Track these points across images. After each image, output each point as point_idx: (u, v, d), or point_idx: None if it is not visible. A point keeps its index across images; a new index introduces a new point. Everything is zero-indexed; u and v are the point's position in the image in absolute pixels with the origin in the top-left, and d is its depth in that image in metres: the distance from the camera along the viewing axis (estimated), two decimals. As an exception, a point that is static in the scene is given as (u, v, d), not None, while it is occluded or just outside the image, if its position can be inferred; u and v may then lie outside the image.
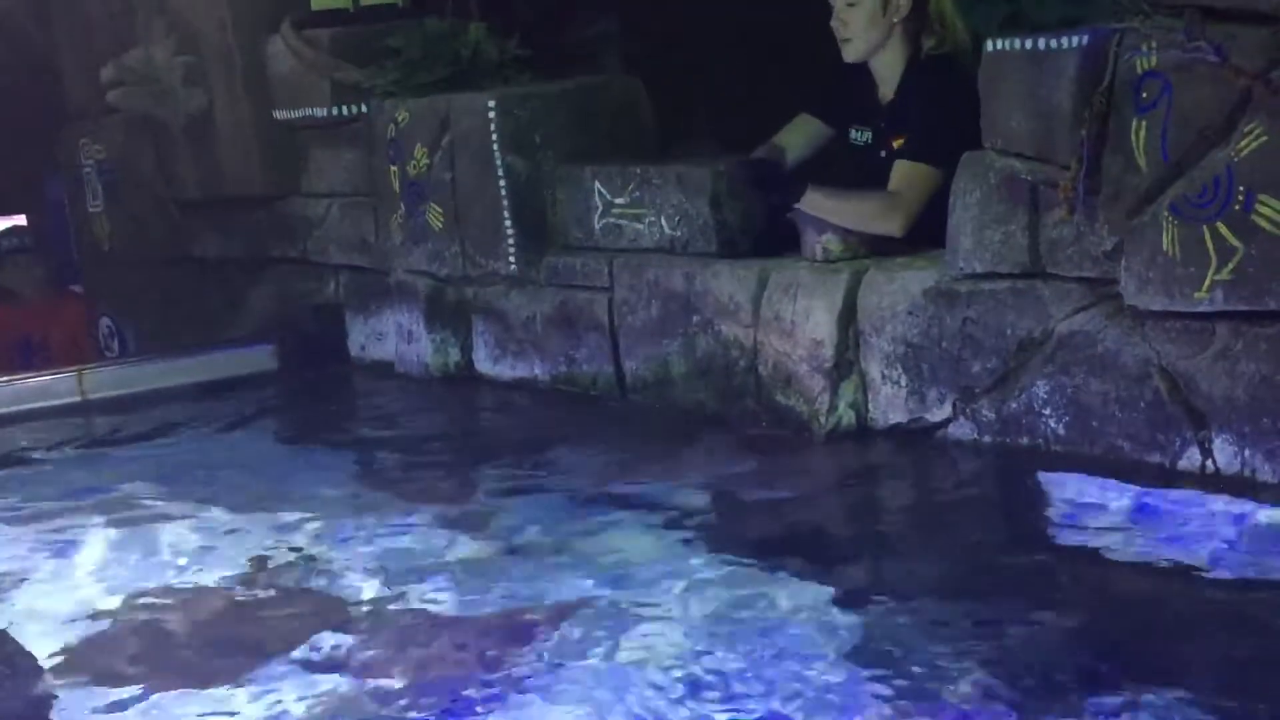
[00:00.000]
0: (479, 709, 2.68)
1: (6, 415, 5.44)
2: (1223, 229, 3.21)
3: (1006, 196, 3.73)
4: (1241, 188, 3.17)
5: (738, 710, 2.57)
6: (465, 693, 2.76)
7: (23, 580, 3.67)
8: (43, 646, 3.20)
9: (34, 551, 3.88)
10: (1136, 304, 3.44)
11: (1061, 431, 3.67)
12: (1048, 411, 3.69)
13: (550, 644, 2.94)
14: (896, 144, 4.32)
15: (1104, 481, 3.46)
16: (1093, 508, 3.37)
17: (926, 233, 4.07)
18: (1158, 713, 2.41)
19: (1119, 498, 3.39)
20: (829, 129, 4.58)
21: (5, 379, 5.72)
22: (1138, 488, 3.39)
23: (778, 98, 4.73)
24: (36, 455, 4.99)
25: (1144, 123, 3.34)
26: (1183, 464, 3.43)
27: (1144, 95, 3.33)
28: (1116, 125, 3.41)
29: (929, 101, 4.25)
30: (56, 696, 2.94)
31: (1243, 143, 3.17)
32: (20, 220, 8.08)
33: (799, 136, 4.58)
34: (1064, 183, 3.52)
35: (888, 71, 4.40)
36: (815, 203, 4.23)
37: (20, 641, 3.24)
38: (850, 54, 4.40)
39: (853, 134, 4.52)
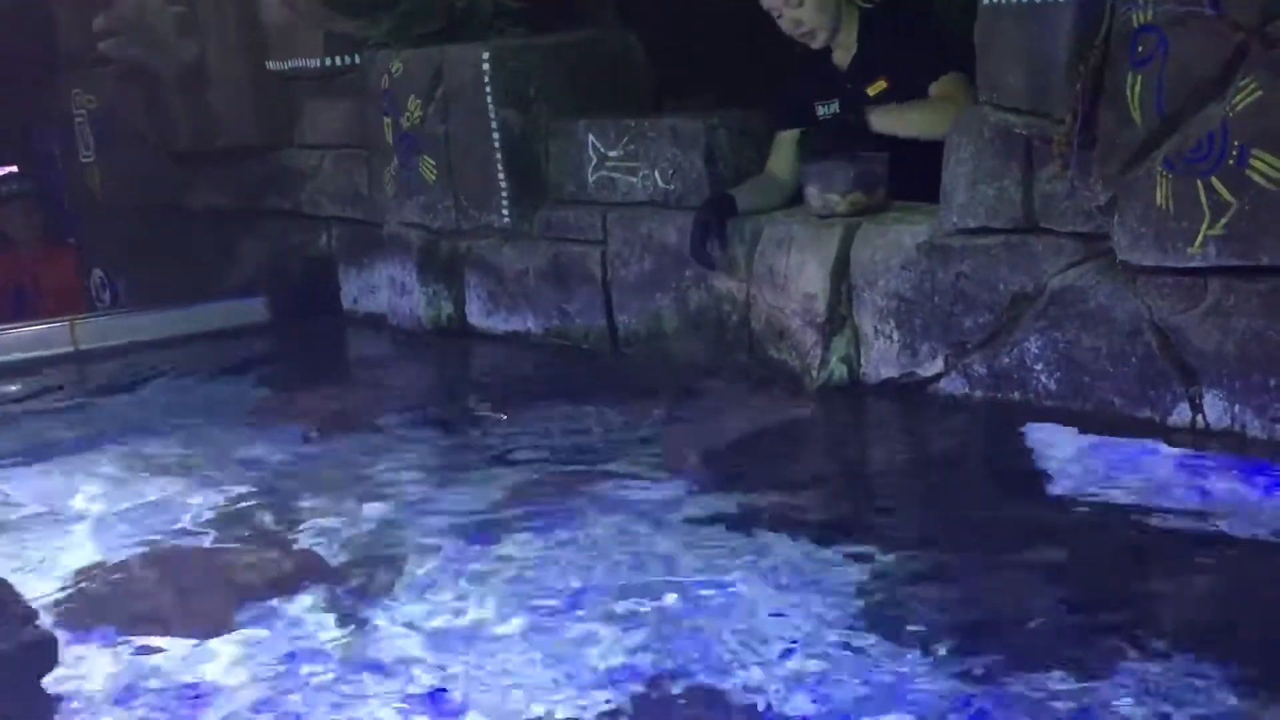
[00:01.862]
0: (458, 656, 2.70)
1: (-1, 364, 5.44)
2: (1216, 184, 3.21)
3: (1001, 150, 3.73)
4: (1236, 142, 3.16)
5: (723, 662, 2.59)
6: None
7: (13, 528, 3.67)
8: (35, 592, 3.21)
9: (23, 499, 3.89)
10: (1129, 259, 3.45)
11: (1053, 387, 3.68)
12: (1039, 367, 3.70)
13: (529, 592, 2.95)
14: (874, 90, 4.34)
15: (1094, 437, 3.47)
16: (1083, 463, 3.38)
17: (921, 187, 4.07)
18: (1143, 661, 2.43)
19: (1109, 453, 3.40)
20: (809, 130, 4.50)
21: (-3, 328, 5.73)
22: (1128, 443, 3.40)
23: (772, 53, 4.71)
24: (27, 405, 4.99)
25: (1139, 77, 3.33)
26: (1173, 419, 3.44)
27: (1140, 49, 3.32)
28: (1112, 79, 3.41)
29: (906, 34, 4.33)
30: (50, 641, 2.95)
31: (1238, 97, 3.16)
32: (12, 170, 8.03)
33: (791, 152, 4.48)
34: (1058, 137, 3.51)
35: (846, 38, 4.42)
36: (885, 121, 4.23)
37: (14, 587, 3.25)
38: (817, 42, 4.42)
39: (820, 110, 4.50)
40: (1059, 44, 3.52)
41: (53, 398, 5.07)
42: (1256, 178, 3.15)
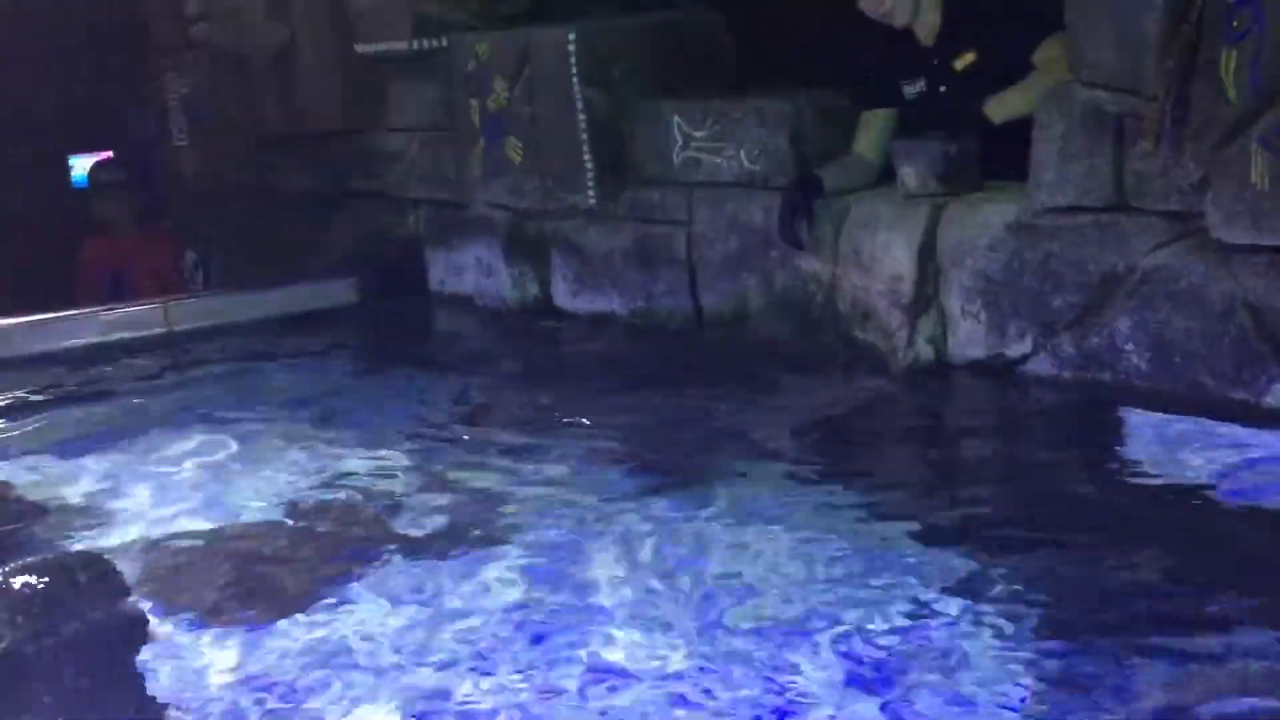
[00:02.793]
0: (545, 635, 2.72)
1: (95, 345, 5.54)
2: (1313, 161, 3.15)
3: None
4: (1333, 119, 3.11)
5: (805, 638, 2.59)
6: (533, 618, 2.80)
7: (112, 505, 3.74)
8: (133, 568, 3.26)
9: (121, 478, 3.96)
10: (1223, 238, 3.39)
11: (1144, 368, 3.63)
12: (1130, 347, 3.65)
13: (634, 573, 2.97)
14: (962, 64, 4.30)
15: (1186, 418, 3.42)
16: (1174, 445, 3.34)
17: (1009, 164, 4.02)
18: (1226, 648, 2.40)
19: (1202, 435, 3.35)
20: (894, 110, 4.49)
21: (94, 310, 5.83)
22: (1221, 425, 3.35)
23: (854, 32, 4.67)
24: (123, 385, 5.08)
25: (1234, 52, 3.27)
26: (1268, 401, 3.38)
27: (1234, 24, 3.26)
28: (1205, 55, 3.35)
29: (993, 5, 4.27)
30: (147, 617, 3.00)
31: (1335, 73, 3.10)
32: (109, 155, 8.16)
33: (877, 132, 4.48)
34: (1150, 114, 3.46)
35: (930, 15, 4.37)
36: (1002, 109, 4.17)
37: (112, 562, 3.31)
38: (899, 22, 4.37)
39: (906, 90, 4.47)
40: (1151, 19, 3.46)
41: (151, 377, 5.17)
42: (1354, 154, 3.09)
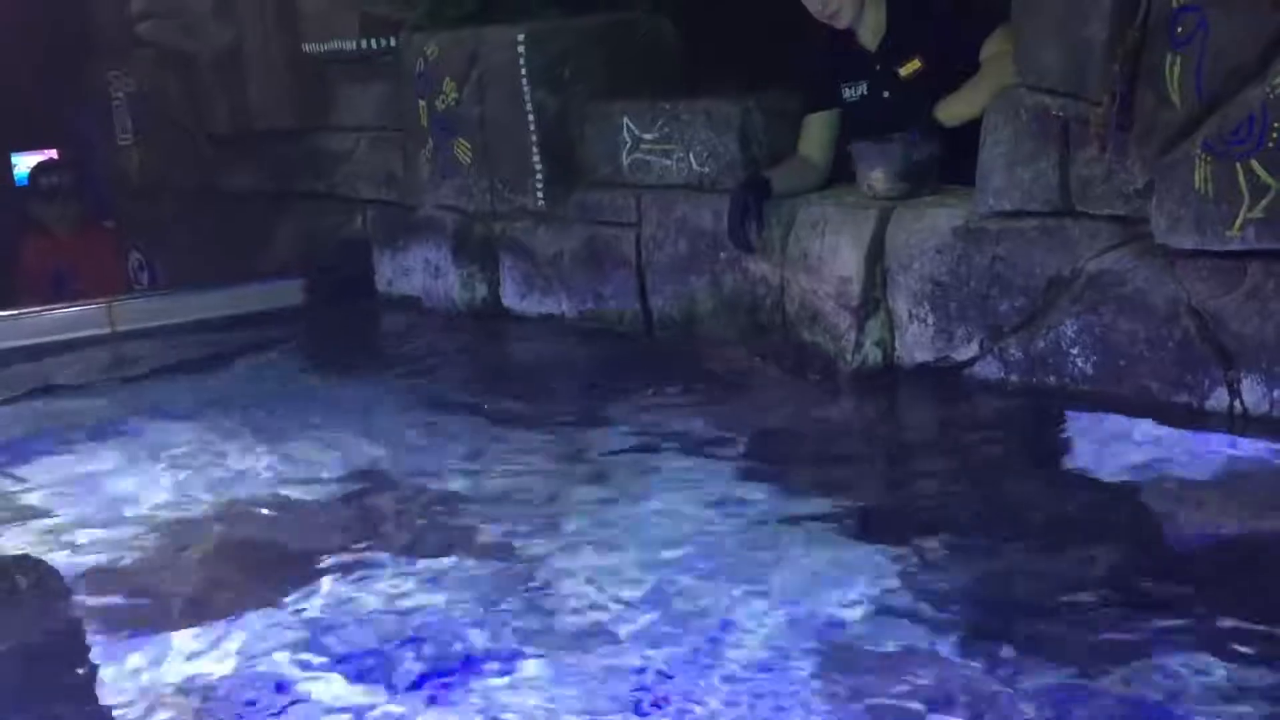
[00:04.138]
0: (493, 637, 2.71)
1: (37, 346, 5.47)
2: (1256, 166, 3.18)
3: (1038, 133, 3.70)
4: (1276, 124, 3.13)
5: (753, 645, 2.59)
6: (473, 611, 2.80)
7: (52, 507, 3.70)
8: (72, 570, 3.23)
9: (62, 479, 3.91)
10: (1167, 243, 3.42)
11: (1089, 371, 3.66)
12: (1075, 351, 3.68)
13: (576, 571, 2.96)
14: (908, 71, 4.31)
15: (1131, 421, 3.45)
16: (1120, 447, 3.36)
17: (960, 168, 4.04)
18: (1162, 642, 2.43)
19: (1145, 437, 3.37)
20: (837, 112, 4.49)
21: (36, 310, 5.76)
22: (1164, 428, 3.38)
23: (801, 34, 4.68)
24: (66, 386, 5.02)
25: (1178, 58, 3.30)
26: (1210, 404, 3.42)
27: (1179, 30, 3.29)
28: (1150, 61, 3.38)
29: (937, 13, 4.28)
30: (88, 619, 2.98)
31: (1278, 79, 3.13)
32: (52, 154, 8.06)
33: (822, 135, 4.49)
34: (1096, 119, 3.49)
35: (873, 19, 4.38)
36: (953, 111, 4.16)
37: (51, 565, 3.28)
38: (843, 22, 4.38)
39: (846, 93, 4.47)
40: (1097, 25, 3.49)
41: (94, 377, 5.11)
42: (1297, 160, 3.12)
